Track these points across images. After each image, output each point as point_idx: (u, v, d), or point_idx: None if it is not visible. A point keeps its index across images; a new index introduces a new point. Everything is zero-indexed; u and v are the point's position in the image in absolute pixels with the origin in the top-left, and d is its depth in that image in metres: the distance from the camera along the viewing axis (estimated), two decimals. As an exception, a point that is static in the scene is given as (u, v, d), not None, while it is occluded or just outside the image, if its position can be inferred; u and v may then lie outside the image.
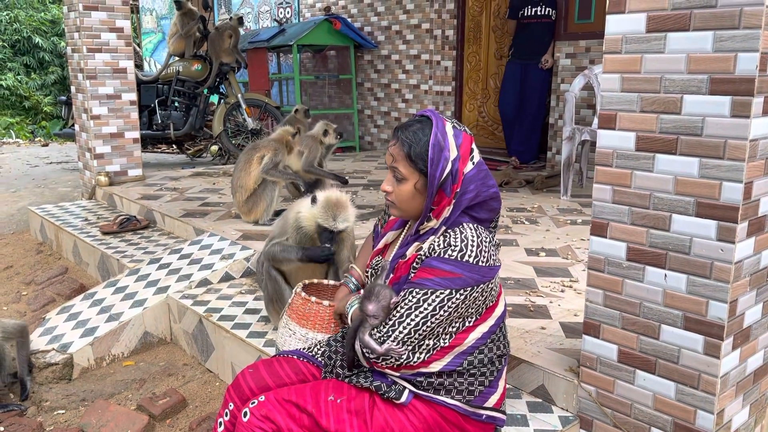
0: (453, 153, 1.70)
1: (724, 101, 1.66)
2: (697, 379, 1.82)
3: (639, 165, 1.86)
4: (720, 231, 1.71)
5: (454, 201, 1.71)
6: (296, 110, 5.62)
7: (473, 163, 1.73)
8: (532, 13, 5.87)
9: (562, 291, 2.95)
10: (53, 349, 3.04)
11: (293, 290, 2.39)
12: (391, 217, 1.99)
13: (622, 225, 1.92)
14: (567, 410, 2.15)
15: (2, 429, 2.59)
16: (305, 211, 2.54)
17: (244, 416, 1.75)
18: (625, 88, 1.86)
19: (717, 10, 1.65)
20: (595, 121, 5.06)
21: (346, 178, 5.04)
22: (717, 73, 1.67)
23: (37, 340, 3.13)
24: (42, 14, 15.54)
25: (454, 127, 1.73)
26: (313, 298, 2.26)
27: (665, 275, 1.84)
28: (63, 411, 2.76)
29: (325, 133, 4.59)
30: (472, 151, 1.73)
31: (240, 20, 7.28)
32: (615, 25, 1.85)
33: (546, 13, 5.83)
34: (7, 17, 14.71)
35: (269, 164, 4.06)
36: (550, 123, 6.18)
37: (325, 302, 2.23)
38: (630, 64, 1.84)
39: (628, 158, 1.88)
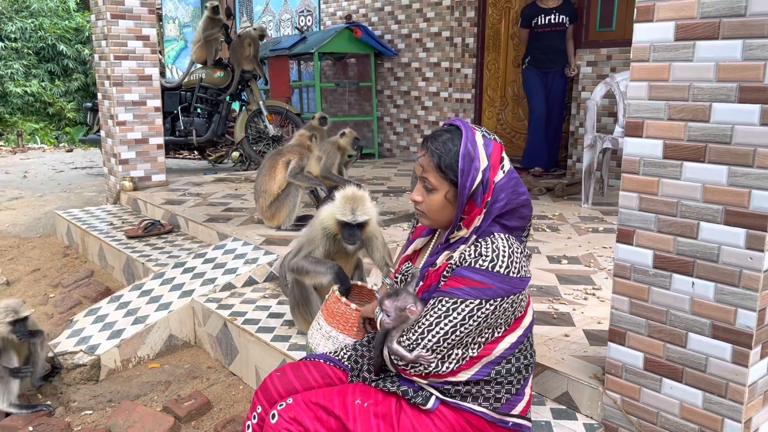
0: (483, 163, 1.70)
1: (754, 110, 1.66)
2: (725, 388, 1.81)
3: (666, 173, 1.86)
4: (749, 239, 1.71)
5: (485, 210, 1.72)
6: (314, 117, 5.68)
7: (503, 171, 1.73)
8: (546, 22, 5.87)
9: (585, 299, 2.94)
10: (81, 350, 3.09)
11: (332, 288, 2.40)
12: (420, 224, 2.00)
13: (648, 232, 1.92)
14: (591, 417, 2.15)
15: (31, 429, 2.64)
16: (326, 211, 2.56)
17: (272, 418, 1.77)
18: (652, 96, 1.87)
19: (746, 19, 1.65)
20: (617, 129, 5.05)
21: (362, 185, 5.06)
22: (746, 81, 1.67)
23: (65, 342, 3.18)
24: (66, 22, 15.85)
25: (483, 136, 1.73)
26: (343, 299, 2.27)
27: (693, 283, 1.83)
28: (90, 412, 2.81)
29: (342, 135, 4.65)
30: (502, 159, 1.73)
31: (262, 33, 7.37)
32: (643, 33, 1.86)
33: (560, 21, 5.83)
34: (32, 25, 15.00)
35: (296, 168, 4.10)
36: (571, 131, 6.17)
37: (353, 305, 2.25)
38: (658, 73, 1.84)
39: (656, 166, 1.88)
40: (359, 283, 2.55)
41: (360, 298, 2.51)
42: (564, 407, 2.22)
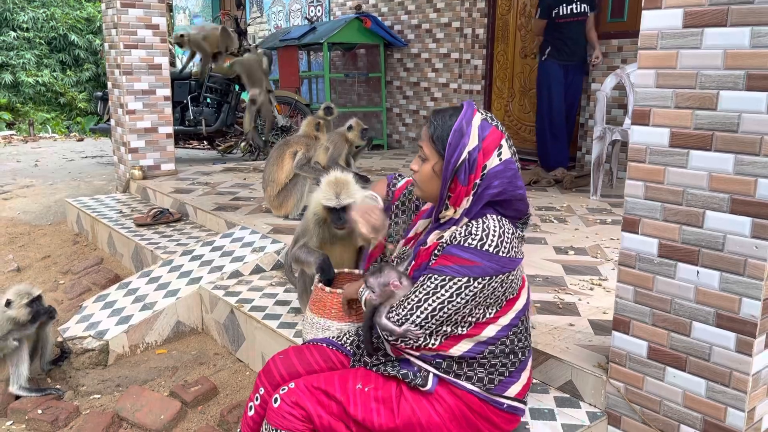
0: (473, 142, 1.71)
1: (761, 97, 1.65)
2: (729, 377, 1.81)
3: (673, 161, 1.85)
4: (755, 228, 1.70)
5: (473, 192, 1.72)
6: (320, 108, 5.69)
7: (500, 159, 1.73)
8: (568, 12, 5.59)
9: (591, 289, 2.94)
10: (90, 335, 3.13)
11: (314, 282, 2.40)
12: (424, 207, 2.01)
13: (654, 221, 1.92)
14: (595, 406, 2.15)
15: (40, 412, 2.67)
16: (314, 199, 2.55)
17: (275, 402, 1.79)
18: (660, 84, 1.86)
19: (754, 6, 1.64)
20: (627, 120, 5.02)
21: (368, 176, 5.06)
22: (754, 69, 1.66)
23: (75, 327, 3.22)
24: (78, 12, 15.90)
25: (484, 119, 1.75)
26: (327, 289, 2.25)
27: (697, 272, 1.83)
28: (99, 396, 2.84)
29: (350, 128, 4.63)
30: (500, 147, 1.74)
31: (270, 58, 7.38)
32: (651, 20, 1.85)
33: (582, 10, 5.56)
34: (43, 15, 15.08)
35: (302, 160, 4.12)
36: (581, 123, 6.14)
37: (327, 289, 2.24)
38: (665, 60, 1.83)
39: (662, 154, 1.87)
40: (346, 270, 2.50)
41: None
42: (567, 395, 2.22)
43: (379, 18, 8.06)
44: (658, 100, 1.87)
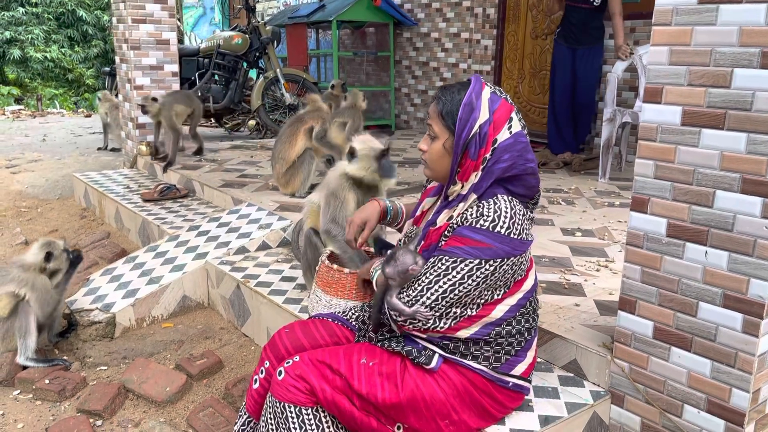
0: (484, 116, 1.69)
1: (776, 75, 1.62)
2: (734, 358, 1.80)
3: (684, 140, 1.83)
4: (765, 208, 1.68)
5: (482, 167, 1.71)
6: (332, 86, 5.65)
7: (510, 132, 1.71)
8: None
9: (598, 270, 2.93)
10: (97, 308, 3.15)
11: (320, 259, 2.41)
12: (429, 185, 2.00)
13: (663, 201, 1.90)
14: (599, 385, 2.15)
15: (47, 381, 2.70)
16: (343, 167, 2.54)
17: (279, 375, 1.80)
18: (673, 61, 1.83)
19: (773, -19, 1.61)
20: (638, 103, 4.97)
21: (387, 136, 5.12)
22: (770, 46, 1.63)
23: (82, 300, 3.24)
24: (87, -13, 15.80)
25: (493, 92, 1.72)
26: (335, 266, 2.29)
27: (706, 252, 1.81)
28: (105, 367, 2.87)
29: (332, 87, 4.69)
30: (510, 120, 1.72)
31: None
32: (665, -4, 1.82)
33: None
34: (53, -10, 15.00)
35: (321, 132, 4.13)
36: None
37: (346, 270, 2.27)
38: (679, 37, 1.80)
39: (673, 133, 1.85)
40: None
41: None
42: (572, 374, 2.22)
43: (389, -4, 7.98)
44: (671, 77, 1.84)
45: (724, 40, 1.72)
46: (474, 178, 1.72)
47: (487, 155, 1.70)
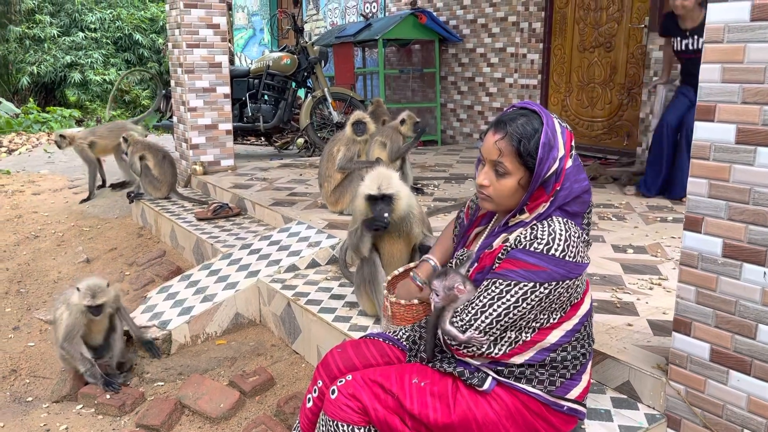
0: (561, 152, 1.69)
1: (836, 92, 1.58)
2: (797, 382, 1.75)
3: (738, 158, 1.80)
4: (827, 228, 1.63)
5: (551, 199, 1.71)
6: (371, 102, 5.72)
7: (571, 158, 1.72)
8: (683, 48, 4.54)
9: (651, 288, 2.87)
10: (154, 325, 3.26)
11: (383, 288, 2.39)
12: (480, 212, 1.98)
13: (718, 220, 1.86)
14: (653, 408, 2.11)
15: (108, 397, 2.81)
16: (359, 192, 2.63)
17: (332, 393, 1.83)
18: (726, 79, 1.80)
19: (830, -4, 1.57)
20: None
21: (423, 189, 5.00)
22: (828, 62, 1.59)
23: (140, 317, 3.35)
24: (142, 12, 16.44)
25: (559, 123, 1.72)
26: (393, 298, 2.24)
27: (765, 273, 1.77)
28: (162, 383, 2.96)
29: (402, 122, 4.64)
30: (572, 148, 1.73)
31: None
32: (717, 13, 1.80)
33: (698, 46, 4.38)
34: (110, 15, 15.66)
35: (343, 159, 4.18)
36: (641, 118, 5.98)
37: (402, 301, 2.22)
38: (732, 54, 1.78)
39: (727, 151, 1.82)
40: (401, 269, 2.45)
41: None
42: (625, 396, 2.18)
43: (434, 13, 8.04)
44: (724, 95, 1.81)
45: (779, 57, 1.69)
46: (542, 208, 1.72)
47: (558, 187, 1.70)
